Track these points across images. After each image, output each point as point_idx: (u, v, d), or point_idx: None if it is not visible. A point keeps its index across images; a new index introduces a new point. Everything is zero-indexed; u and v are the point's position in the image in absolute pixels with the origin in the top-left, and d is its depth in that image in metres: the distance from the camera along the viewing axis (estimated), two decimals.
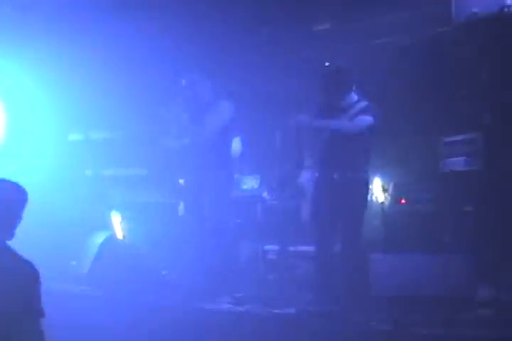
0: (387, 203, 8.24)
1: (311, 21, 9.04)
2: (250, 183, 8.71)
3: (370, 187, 8.49)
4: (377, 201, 8.43)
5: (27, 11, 7.93)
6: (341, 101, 6.35)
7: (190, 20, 8.05)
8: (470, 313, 5.87)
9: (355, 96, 6.42)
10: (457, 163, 7.40)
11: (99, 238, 7.14)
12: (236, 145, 7.29)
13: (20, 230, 8.00)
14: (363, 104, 6.32)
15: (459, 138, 7.45)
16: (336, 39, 8.93)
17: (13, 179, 3.67)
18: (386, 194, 8.31)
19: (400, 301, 6.05)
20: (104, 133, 8.08)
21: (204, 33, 8.33)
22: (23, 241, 7.90)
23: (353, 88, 6.41)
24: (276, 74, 9.19)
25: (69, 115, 8.37)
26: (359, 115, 6.26)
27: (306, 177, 7.24)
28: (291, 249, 7.90)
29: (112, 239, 7.23)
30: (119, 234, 7.35)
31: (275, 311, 5.97)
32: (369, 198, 8.15)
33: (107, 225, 7.44)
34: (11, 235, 3.78)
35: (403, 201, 8.00)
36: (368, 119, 6.25)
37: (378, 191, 8.48)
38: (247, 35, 8.92)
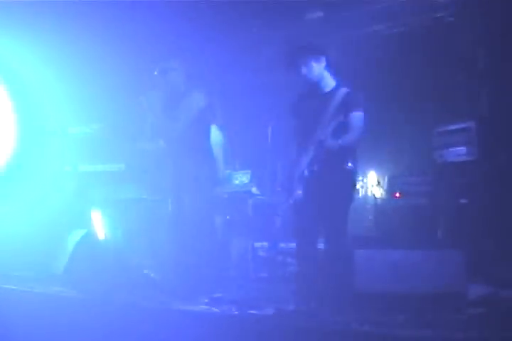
0: (381, 197, 8.01)
1: (303, 10, 8.73)
2: (241, 179, 8.49)
3: (360, 179, 8.30)
4: (371, 195, 8.20)
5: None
6: (312, 74, 5.93)
7: (173, 6, 7.76)
8: (460, 313, 5.52)
9: (332, 81, 6.02)
10: (451, 153, 7.12)
11: (76, 236, 6.88)
12: (215, 135, 6.98)
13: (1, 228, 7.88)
14: (345, 91, 5.93)
15: (453, 127, 7.16)
16: (329, 28, 8.64)
17: None
18: (380, 188, 8.08)
19: (387, 299, 5.73)
20: (82, 127, 7.81)
21: (190, 21, 8.05)
22: (4, 239, 7.80)
23: (325, 64, 5.97)
24: (267, 66, 8.94)
25: (48, 109, 8.14)
26: (352, 110, 5.84)
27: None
28: (282, 245, 7.67)
29: (89, 237, 6.97)
30: (100, 232, 7.09)
31: (251, 312, 5.66)
32: (357, 191, 7.97)
33: (86, 223, 7.18)
34: None
35: (398, 195, 7.75)
36: (362, 116, 5.86)
37: (373, 185, 8.25)
38: (236, 25, 8.64)
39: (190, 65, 6.89)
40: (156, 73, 6.75)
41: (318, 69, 5.95)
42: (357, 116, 5.83)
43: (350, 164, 5.90)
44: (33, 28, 8.09)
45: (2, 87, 8.49)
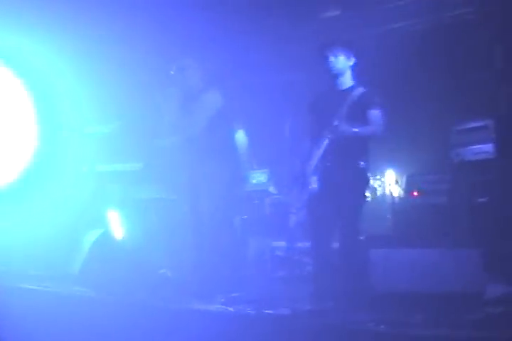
0: (399, 196, 7.96)
1: (319, 8, 8.69)
2: (258, 178, 8.46)
3: (378, 178, 8.25)
4: (389, 194, 8.15)
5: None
6: (334, 61, 5.93)
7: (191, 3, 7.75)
8: (478, 312, 5.47)
9: (350, 80, 6.03)
10: (469, 151, 7.05)
11: (92, 236, 6.88)
12: (241, 137, 6.98)
13: (18, 227, 7.92)
14: (361, 90, 5.92)
15: (471, 125, 7.09)
16: (346, 26, 8.59)
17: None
18: (398, 186, 8.03)
19: (405, 299, 5.70)
20: (99, 127, 7.83)
21: (208, 19, 8.04)
22: (21, 238, 7.84)
23: (351, 57, 5.98)
24: (285, 64, 8.91)
25: (66, 109, 8.16)
26: (370, 108, 5.83)
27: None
28: (300, 245, 7.63)
29: (105, 237, 6.97)
30: (117, 232, 7.09)
31: (268, 311, 5.65)
32: (375, 190, 7.94)
33: (103, 223, 7.19)
34: None
35: (415, 193, 7.70)
36: (379, 113, 5.85)
37: (391, 184, 8.20)
38: (254, 23, 8.61)
39: (206, 64, 6.88)
40: (172, 72, 6.74)
41: (344, 63, 6.00)
42: (374, 114, 5.83)
43: (362, 163, 5.90)
44: (53, 27, 8.11)
45: (22, 87, 8.53)
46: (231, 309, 5.79)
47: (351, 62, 6.03)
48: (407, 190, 7.85)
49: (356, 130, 5.75)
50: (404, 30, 8.39)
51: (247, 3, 8.14)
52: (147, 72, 8.10)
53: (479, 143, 6.98)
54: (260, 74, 9.16)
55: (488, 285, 5.82)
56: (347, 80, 6.05)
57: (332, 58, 5.98)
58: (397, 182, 8.16)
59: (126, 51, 8.20)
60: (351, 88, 6.00)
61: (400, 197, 8.00)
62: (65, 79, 8.21)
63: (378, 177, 8.28)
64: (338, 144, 5.79)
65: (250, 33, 8.64)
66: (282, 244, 7.80)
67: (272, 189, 8.13)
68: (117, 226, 7.18)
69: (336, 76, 6.02)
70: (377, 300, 5.68)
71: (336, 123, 5.80)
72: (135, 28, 8.03)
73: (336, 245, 5.93)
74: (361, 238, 6.10)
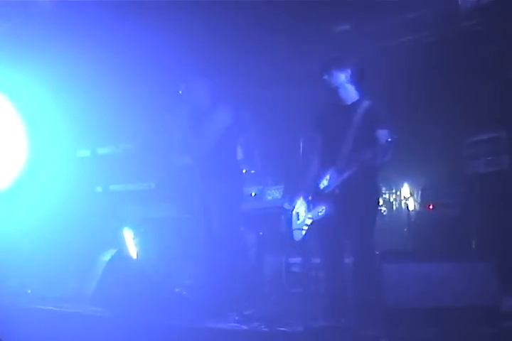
0: (414, 209, 7.92)
1: (330, 23, 8.69)
2: (274, 194, 8.44)
3: (393, 192, 8.20)
4: (405, 207, 8.10)
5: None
6: (333, 82, 5.92)
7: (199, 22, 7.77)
8: (494, 326, 5.41)
9: (355, 95, 6.00)
10: (483, 163, 7.00)
11: (107, 256, 6.89)
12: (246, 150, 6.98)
13: (32, 250, 7.96)
14: (367, 104, 5.90)
15: (484, 137, 7.05)
16: (357, 40, 8.59)
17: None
18: (414, 200, 7.99)
19: (420, 313, 5.64)
20: (111, 147, 7.86)
21: (215, 34, 8.05)
22: (36, 260, 7.88)
23: (349, 74, 5.96)
24: (297, 79, 8.91)
25: (77, 130, 8.21)
26: (376, 128, 5.78)
27: None
28: (316, 260, 7.59)
29: (119, 256, 6.97)
30: (131, 251, 7.10)
31: (281, 329, 5.62)
32: (390, 204, 7.90)
33: (117, 242, 7.21)
34: None
35: (431, 207, 7.65)
36: (387, 133, 5.76)
37: (406, 197, 8.15)
38: (264, 39, 8.62)
39: (215, 82, 6.90)
40: (181, 91, 6.76)
41: (340, 79, 5.94)
42: (382, 134, 5.76)
43: (374, 179, 5.87)
44: (63, 51, 8.18)
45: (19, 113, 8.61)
46: (245, 327, 5.75)
47: (346, 74, 5.95)
48: (423, 204, 7.81)
49: (365, 158, 5.68)
50: (416, 42, 8.35)
51: (257, 20, 8.14)
52: (157, 92, 8.14)
53: (493, 155, 6.92)
54: (273, 90, 9.16)
55: (504, 298, 5.75)
56: (351, 94, 6.00)
57: (325, 76, 5.96)
58: (412, 195, 8.11)
59: (137, 73, 8.23)
60: (356, 102, 5.96)
61: (415, 211, 7.95)
62: (76, 100, 8.26)
63: (393, 190, 8.23)
64: (352, 168, 5.75)
65: (263, 48, 8.66)
66: (298, 260, 7.78)
67: (286, 205, 8.09)
68: (131, 245, 7.19)
69: (336, 92, 5.99)
70: (392, 315, 5.63)
71: (348, 148, 5.75)
72: (144, 49, 8.07)
73: (348, 260, 5.89)
74: (376, 253, 6.05)
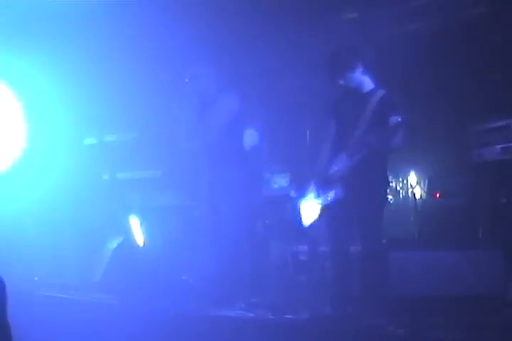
0: (421, 198, 7.90)
1: (339, 9, 8.65)
2: (280, 182, 8.43)
3: (400, 180, 8.18)
4: (411, 196, 8.08)
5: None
6: (350, 84, 5.94)
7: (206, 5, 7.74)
8: (500, 314, 5.41)
9: (370, 83, 6.01)
10: (491, 152, 6.97)
11: (113, 244, 6.91)
12: (248, 138, 6.93)
13: (38, 237, 7.99)
14: (381, 93, 5.90)
15: (492, 125, 7.01)
16: (365, 27, 8.55)
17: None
18: (420, 188, 7.96)
19: (426, 301, 5.65)
20: (118, 135, 7.86)
21: (222, 21, 8.03)
22: (43, 248, 7.90)
23: (361, 69, 5.97)
24: (305, 67, 8.87)
25: (83, 118, 8.21)
26: (390, 115, 5.78)
27: None
28: (322, 248, 7.59)
29: (126, 244, 6.99)
30: (138, 239, 7.11)
31: (287, 316, 5.63)
32: (397, 193, 7.87)
33: (124, 230, 7.21)
34: None
35: (438, 195, 7.63)
36: (400, 120, 5.76)
37: (413, 186, 8.13)
38: (272, 27, 8.58)
39: (221, 70, 6.89)
40: (187, 79, 6.76)
41: (356, 77, 5.98)
42: (394, 120, 5.76)
43: (384, 167, 5.87)
44: (67, 40, 8.18)
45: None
46: (251, 314, 5.77)
47: (359, 70, 5.98)
48: (429, 192, 7.78)
49: (378, 139, 5.69)
50: (423, 30, 8.30)
51: (265, 6, 8.10)
52: (164, 80, 8.12)
53: (501, 143, 6.88)
54: (280, 77, 9.13)
55: (511, 287, 5.75)
56: (366, 84, 6.02)
57: (341, 81, 6.00)
58: (419, 184, 8.09)
59: (144, 60, 8.22)
60: (372, 91, 5.97)
61: (422, 199, 7.92)
62: (83, 88, 8.26)
63: (400, 178, 8.21)
64: (361, 152, 5.76)
65: (268, 36, 8.63)
66: (305, 248, 7.79)
67: (293, 193, 8.08)
68: (138, 233, 7.19)
69: (355, 87, 6.01)
70: (398, 304, 5.64)
71: (359, 133, 5.74)
72: (148, 37, 8.05)
73: (354, 249, 5.89)
74: (383, 241, 6.05)
